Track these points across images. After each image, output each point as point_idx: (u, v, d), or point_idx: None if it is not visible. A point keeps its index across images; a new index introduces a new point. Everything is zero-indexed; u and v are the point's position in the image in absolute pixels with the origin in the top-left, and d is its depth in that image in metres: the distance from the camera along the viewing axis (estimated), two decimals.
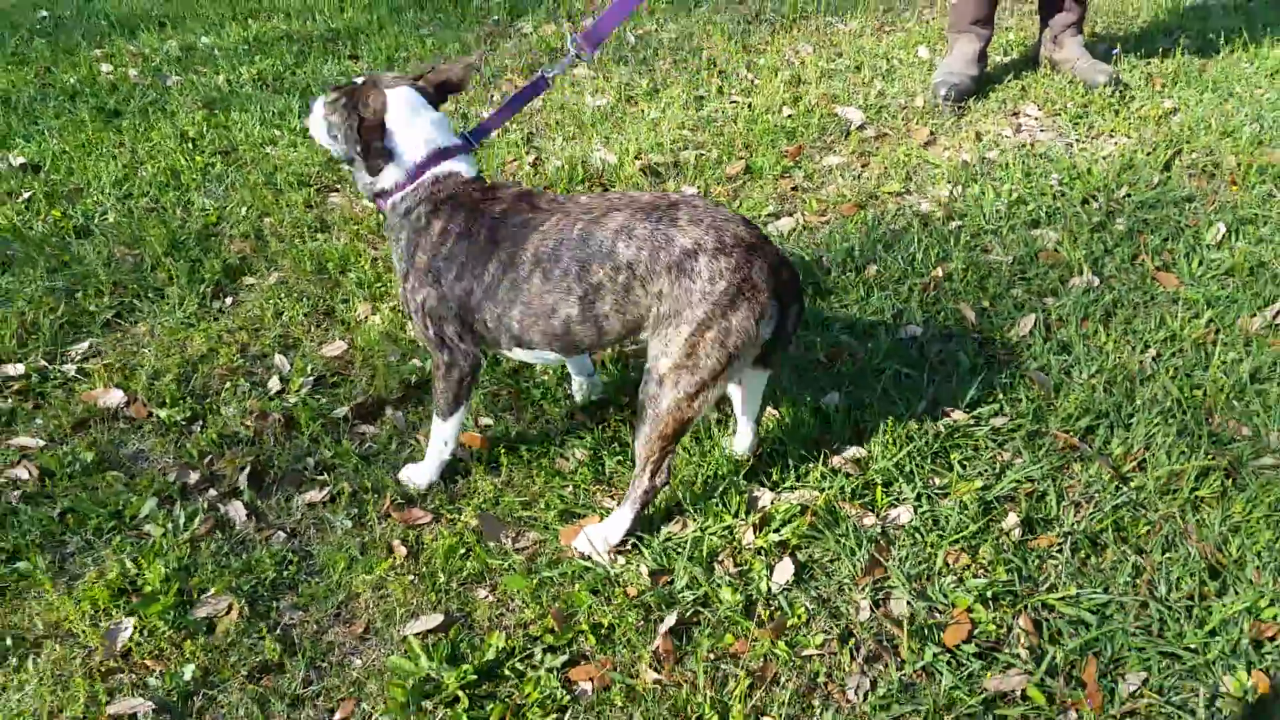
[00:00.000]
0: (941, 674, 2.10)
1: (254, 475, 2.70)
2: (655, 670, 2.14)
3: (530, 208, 2.32)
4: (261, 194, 4.07)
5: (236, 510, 2.59)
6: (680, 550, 2.41)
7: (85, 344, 3.28)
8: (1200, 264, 3.39)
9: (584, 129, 4.54)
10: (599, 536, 2.40)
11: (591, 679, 2.14)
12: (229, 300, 3.49)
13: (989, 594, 2.26)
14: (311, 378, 3.07)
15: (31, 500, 2.65)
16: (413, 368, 3.07)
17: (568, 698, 2.10)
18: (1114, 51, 5.01)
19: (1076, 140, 4.34)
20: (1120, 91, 4.61)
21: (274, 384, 3.06)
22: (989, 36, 4.77)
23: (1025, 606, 2.24)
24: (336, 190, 4.20)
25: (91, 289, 3.51)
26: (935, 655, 2.14)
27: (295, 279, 3.55)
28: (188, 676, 2.15)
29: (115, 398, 2.99)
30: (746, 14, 5.96)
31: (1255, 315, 3.11)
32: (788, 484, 2.59)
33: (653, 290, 2.17)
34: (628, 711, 2.07)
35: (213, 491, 2.67)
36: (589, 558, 2.39)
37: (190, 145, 4.56)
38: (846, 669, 2.14)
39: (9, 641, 2.26)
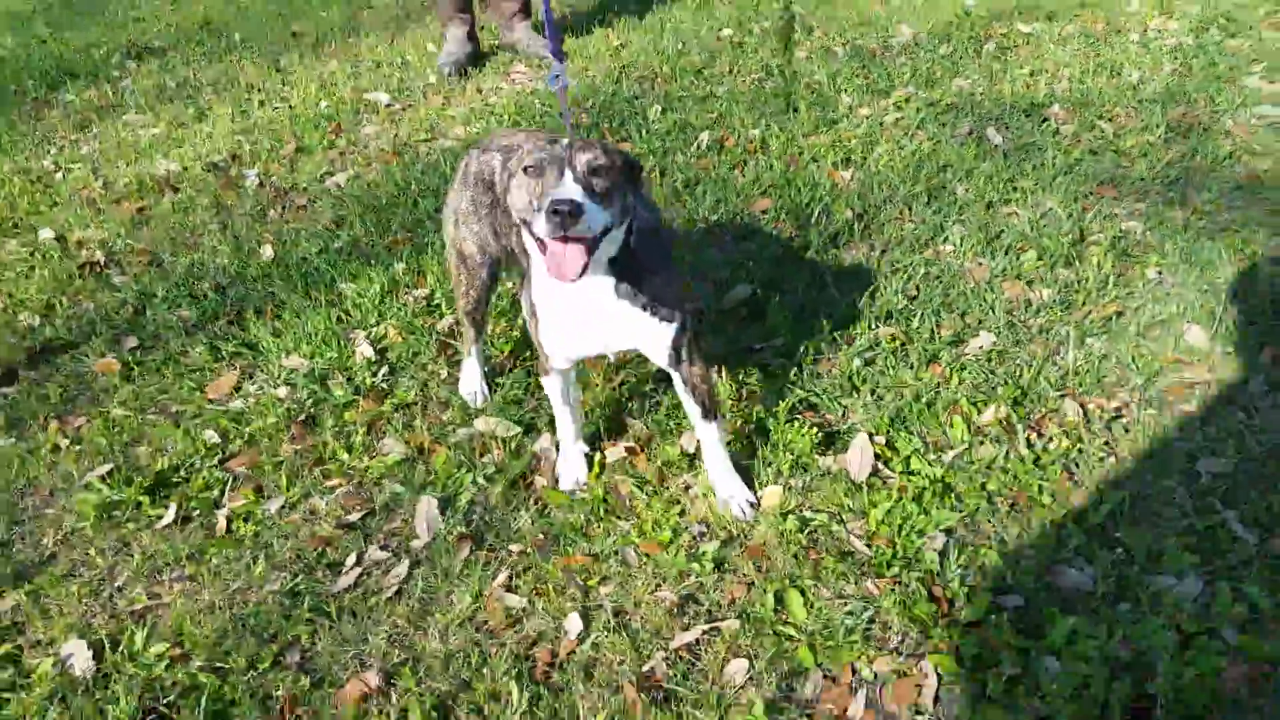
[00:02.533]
0: None
1: None
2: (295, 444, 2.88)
3: None
4: None
5: None
6: None
7: None
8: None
9: (143, 153, 5.09)
10: None
11: (244, 465, 2.84)
12: None
13: None
14: None
15: None
16: (38, 339, 3.54)
17: (228, 478, 2.79)
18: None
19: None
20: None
21: None
22: (472, 19, 5.90)
23: None
24: None
25: None
26: None
27: None
28: None
29: None
30: (274, 48, 6.72)
31: None
32: None
33: None
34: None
35: None
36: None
37: None
38: None
39: None
